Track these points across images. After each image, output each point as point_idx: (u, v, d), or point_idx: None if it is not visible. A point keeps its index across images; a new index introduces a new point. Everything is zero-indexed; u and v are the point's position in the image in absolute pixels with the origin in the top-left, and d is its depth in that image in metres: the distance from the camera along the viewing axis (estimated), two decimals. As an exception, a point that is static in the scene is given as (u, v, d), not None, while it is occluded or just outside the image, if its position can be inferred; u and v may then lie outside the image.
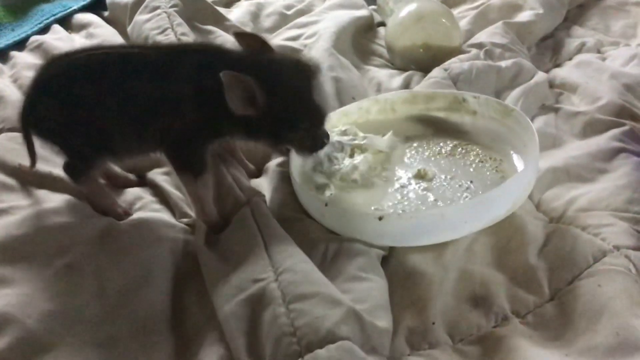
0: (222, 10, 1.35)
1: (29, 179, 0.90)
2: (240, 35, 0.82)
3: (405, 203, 0.84)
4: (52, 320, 0.71)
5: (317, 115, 0.79)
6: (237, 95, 0.73)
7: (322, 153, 0.86)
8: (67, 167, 0.86)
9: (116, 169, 0.93)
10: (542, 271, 0.76)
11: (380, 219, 0.74)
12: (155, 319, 0.72)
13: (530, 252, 0.78)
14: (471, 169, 0.89)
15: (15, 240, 0.79)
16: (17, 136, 0.98)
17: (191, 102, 0.77)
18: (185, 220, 0.87)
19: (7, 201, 0.86)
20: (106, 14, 1.43)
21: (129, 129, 0.80)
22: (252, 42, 0.81)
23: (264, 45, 0.81)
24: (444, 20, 1.21)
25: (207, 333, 0.71)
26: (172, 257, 0.80)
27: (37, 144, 0.85)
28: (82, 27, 1.36)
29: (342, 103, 1.05)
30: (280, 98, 0.76)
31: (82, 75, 0.79)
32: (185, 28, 1.16)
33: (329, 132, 0.82)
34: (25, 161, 0.89)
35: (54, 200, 0.87)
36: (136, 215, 0.86)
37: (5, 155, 0.94)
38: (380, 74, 1.19)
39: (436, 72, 1.10)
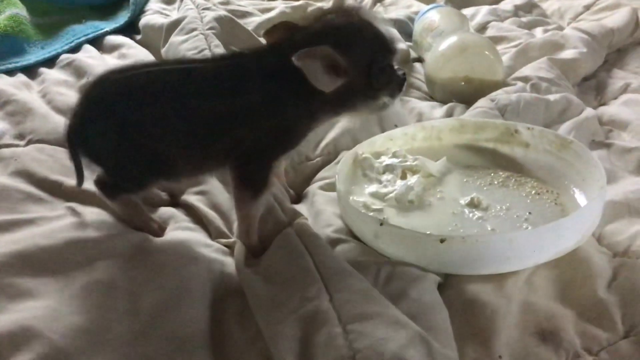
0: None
1: (59, 192, 0.85)
2: (269, 32, 0.77)
3: (462, 230, 0.79)
4: (80, 337, 0.64)
5: (390, 45, 0.75)
6: (319, 70, 0.68)
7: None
8: (101, 185, 0.80)
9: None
10: (614, 306, 0.70)
11: (442, 241, 0.69)
12: (193, 339, 0.66)
13: (599, 285, 0.72)
14: (528, 200, 0.84)
15: (41, 251, 0.73)
16: (45, 147, 0.95)
17: (263, 107, 0.72)
18: (223, 240, 0.81)
19: (34, 212, 0.81)
20: (138, 37, 1.40)
21: (192, 149, 0.75)
22: (282, 31, 0.75)
23: (294, 28, 0.75)
24: (487, 52, 1.18)
25: (251, 356, 0.64)
26: (210, 276, 0.74)
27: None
28: (114, 48, 1.34)
29: (384, 130, 1.00)
30: (357, 48, 0.71)
31: (141, 94, 0.73)
32: (222, 50, 1.13)
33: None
34: (56, 175, 0.86)
35: (83, 213, 0.82)
36: (171, 232, 0.81)
37: (32, 166, 0.89)
38: (421, 104, 1.15)
39: (483, 102, 1.06)
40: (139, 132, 0.73)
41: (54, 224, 0.79)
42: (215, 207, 0.86)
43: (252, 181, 0.75)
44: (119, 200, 0.80)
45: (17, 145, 0.95)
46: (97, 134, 0.74)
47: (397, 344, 0.57)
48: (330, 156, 0.98)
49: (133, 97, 0.73)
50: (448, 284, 0.73)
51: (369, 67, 0.72)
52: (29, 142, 0.96)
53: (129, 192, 0.80)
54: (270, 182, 0.76)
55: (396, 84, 0.76)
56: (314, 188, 0.91)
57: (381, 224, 0.73)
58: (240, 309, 0.70)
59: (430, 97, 1.23)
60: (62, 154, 0.92)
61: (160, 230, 0.81)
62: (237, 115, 0.72)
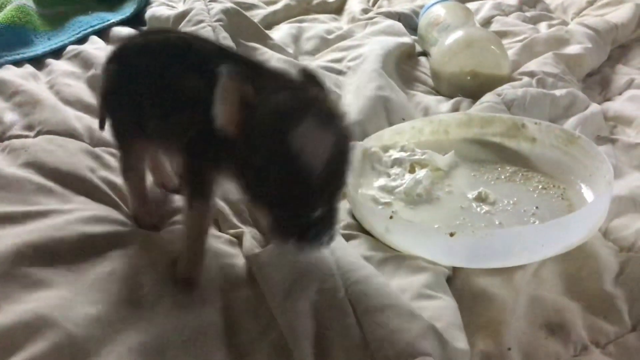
0: (262, 32, 1.33)
1: (70, 184, 0.86)
2: (303, 71, 0.66)
3: (470, 224, 0.79)
4: (94, 326, 0.65)
5: (300, 180, 0.56)
6: (225, 99, 0.58)
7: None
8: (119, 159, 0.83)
9: (167, 168, 0.89)
10: (621, 300, 0.71)
11: (451, 235, 0.69)
12: (206, 329, 0.66)
13: (606, 279, 0.73)
14: (535, 195, 0.85)
15: (55, 243, 0.74)
16: (55, 138, 0.95)
17: (192, 104, 0.66)
18: (231, 231, 0.82)
19: (46, 204, 0.81)
20: (144, 29, 1.40)
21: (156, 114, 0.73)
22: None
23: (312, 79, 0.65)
24: (493, 47, 1.19)
25: (263, 345, 0.65)
26: (220, 267, 0.75)
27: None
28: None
29: (391, 124, 1.02)
30: (258, 125, 0.58)
31: (137, 51, 0.76)
32: (230, 42, 1.13)
33: (329, 222, 0.61)
34: (67, 166, 0.87)
35: (94, 207, 0.82)
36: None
37: (43, 157, 0.89)
38: (427, 99, 1.16)
39: (489, 97, 1.07)
40: (126, 83, 0.75)
41: (67, 216, 0.79)
42: (224, 198, 0.86)
43: (189, 178, 0.72)
44: (128, 176, 0.82)
45: (26, 136, 0.95)
46: (106, 79, 0.78)
47: (410, 335, 0.58)
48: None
49: (129, 56, 0.77)
50: (457, 277, 0.74)
51: (252, 158, 0.59)
52: (39, 133, 0.96)
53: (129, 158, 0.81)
54: (208, 190, 0.70)
55: (285, 229, 0.61)
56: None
57: (391, 217, 0.73)
58: (252, 300, 0.70)
59: (436, 91, 1.23)
60: (72, 145, 0.93)
61: (151, 226, 0.81)
62: (182, 97, 0.69)
